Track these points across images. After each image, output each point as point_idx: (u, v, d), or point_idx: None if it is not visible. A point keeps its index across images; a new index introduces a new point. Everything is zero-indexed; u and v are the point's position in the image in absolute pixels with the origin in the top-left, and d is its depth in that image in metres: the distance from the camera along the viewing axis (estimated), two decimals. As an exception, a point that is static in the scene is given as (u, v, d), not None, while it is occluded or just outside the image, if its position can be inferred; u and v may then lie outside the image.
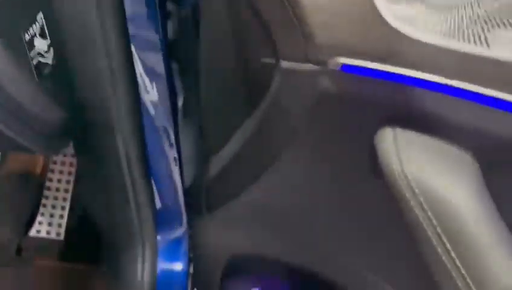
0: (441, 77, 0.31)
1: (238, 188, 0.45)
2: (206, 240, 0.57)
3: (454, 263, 0.31)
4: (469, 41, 0.28)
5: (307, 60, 0.33)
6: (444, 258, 0.31)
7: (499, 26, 0.29)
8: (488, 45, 0.27)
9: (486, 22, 0.28)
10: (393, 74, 0.31)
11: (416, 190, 0.31)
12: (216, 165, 0.47)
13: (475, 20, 0.29)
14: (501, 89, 0.28)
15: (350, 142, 0.35)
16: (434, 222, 0.31)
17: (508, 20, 0.28)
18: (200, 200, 0.51)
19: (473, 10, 0.29)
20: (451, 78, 0.30)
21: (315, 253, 0.50)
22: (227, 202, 0.48)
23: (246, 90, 0.41)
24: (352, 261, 0.47)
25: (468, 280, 0.32)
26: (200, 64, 0.48)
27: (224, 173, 0.46)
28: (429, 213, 0.31)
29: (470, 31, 0.28)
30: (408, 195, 0.31)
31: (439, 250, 0.31)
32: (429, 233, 0.31)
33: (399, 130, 0.33)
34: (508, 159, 0.31)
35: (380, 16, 0.30)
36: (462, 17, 0.29)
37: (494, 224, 0.31)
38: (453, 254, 0.31)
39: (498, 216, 0.31)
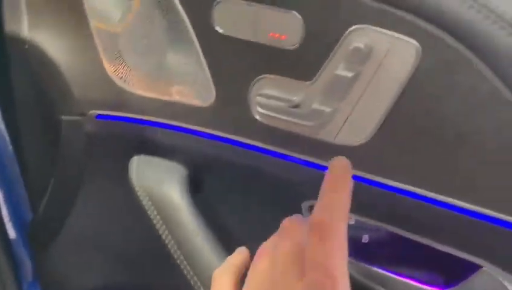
0: (160, 118, 0.46)
1: (59, 222, 0.56)
2: (55, 278, 0.66)
3: (176, 252, 0.45)
4: (159, 91, 0.43)
5: (75, 113, 0.48)
6: (169, 246, 0.45)
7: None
8: (170, 93, 0.43)
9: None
10: (129, 117, 0.46)
11: (144, 192, 0.45)
12: (41, 202, 0.58)
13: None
14: (186, 121, 0.43)
15: (113, 171, 0.49)
16: (157, 215, 0.45)
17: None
18: (37, 236, 0.62)
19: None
20: (166, 118, 0.45)
21: (149, 275, 0.61)
22: (57, 237, 0.59)
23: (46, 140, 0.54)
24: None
25: (188, 267, 0.45)
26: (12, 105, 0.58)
27: (47, 209, 0.57)
28: (155, 212, 0.45)
29: (156, 84, 0.43)
30: (141, 197, 0.45)
31: (164, 239, 0.45)
32: (158, 229, 0.45)
33: (142, 156, 0.48)
34: (210, 169, 0.46)
35: (111, 80, 0.45)
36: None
37: (201, 219, 0.45)
38: (170, 237, 0.45)
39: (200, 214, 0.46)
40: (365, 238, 0.45)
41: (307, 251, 0.30)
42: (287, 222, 0.34)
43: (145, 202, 0.46)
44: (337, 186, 0.31)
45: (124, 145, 0.48)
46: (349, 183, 0.31)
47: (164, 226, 0.46)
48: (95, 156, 0.50)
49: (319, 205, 0.30)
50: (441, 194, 0.32)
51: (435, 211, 0.33)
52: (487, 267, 0.34)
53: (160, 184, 0.46)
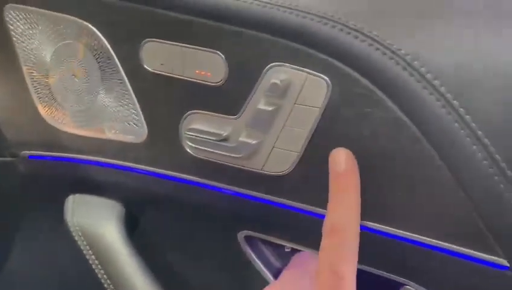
0: (95, 157, 0.46)
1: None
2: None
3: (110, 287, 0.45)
4: (91, 129, 0.44)
5: (7, 155, 0.47)
6: (103, 281, 0.44)
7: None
8: (103, 131, 0.43)
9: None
10: (62, 157, 0.46)
11: (80, 233, 0.45)
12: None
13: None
14: (121, 158, 0.44)
15: (49, 212, 0.48)
16: (93, 257, 0.45)
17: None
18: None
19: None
20: (101, 156, 0.45)
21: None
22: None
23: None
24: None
25: None
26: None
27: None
28: (91, 252, 0.45)
29: (88, 123, 0.44)
30: (77, 238, 0.45)
31: (100, 278, 0.44)
32: (95, 270, 0.45)
33: (78, 196, 0.47)
34: (148, 206, 0.47)
35: (43, 120, 0.45)
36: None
37: (139, 258, 0.45)
38: (108, 281, 0.44)
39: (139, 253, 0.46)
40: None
41: (320, 253, 0.32)
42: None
43: (80, 243, 0.46)
44: (344, 184, 0.32)
45: (58, 185, 0.48)
46: (356, 179, 0.32)
47: (100, 267, 0.45)
48: (30, 197, 0.49)
49: (329, 207, 0.32)
50: (365, 219, 0.34)
51: (362, 237, 0.35)
52: (410, 285, 0.37)
53: (97, 223, 0.46)
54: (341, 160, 0.32)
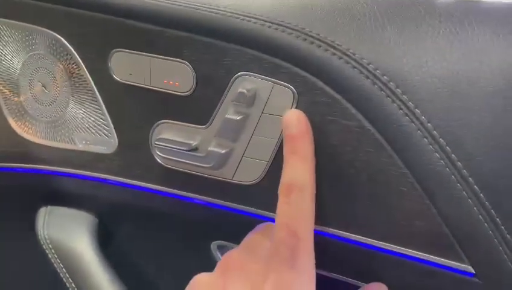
0: (66, 168, 0.45)
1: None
2: None
3: None
4: (62, 141, 0.43)
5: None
6: (70, 288, 0.44)
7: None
8: (73, 142, 0.43)
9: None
10: (33, 168, 0.46)
11: (50, 245, 0.44)
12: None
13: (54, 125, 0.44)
14: (92, 169, 0.43)
15: (20, 225, 0.48)
16: (64, 269, 0.44)
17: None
18: None
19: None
20: (72, 167, 0.45)
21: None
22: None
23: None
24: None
25: None
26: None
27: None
28: (61, 265, 0.44)
29: (59, 134, 0.44)
30: (47, 251, 0.44)
31: (69, 287, 0.44)
32: (63, 278, 0.44)
33: (49, 207, 0.47)
34: (120, 216, 0.46)
35: (13, 131, 0.44)
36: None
37: (111, 270, 0.45)
38: (75, 287, 0.44)
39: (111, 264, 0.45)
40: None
41: (277, 214, 0.32)
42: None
43: (51, 255, 0.45)
44: (297, 146, 0.32)
45: (30, 197, 0.47)
46: (309, 139, 0.32)
47: (71, 279, 0.44)
48: (0, 210, 0.48)
49: (284, 168, 0.32)
50: (329, 227, 0.34)
51: (328, 244, 0.35)
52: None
53: (68, 235, 0.45)
54: (293, 122, 0.32)
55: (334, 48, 0.31)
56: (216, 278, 0.32)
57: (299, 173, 0.32)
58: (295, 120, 0.32)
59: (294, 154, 0.32)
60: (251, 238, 0.35)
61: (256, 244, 0.34)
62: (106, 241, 0.47)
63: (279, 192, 0.32)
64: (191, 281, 0.33)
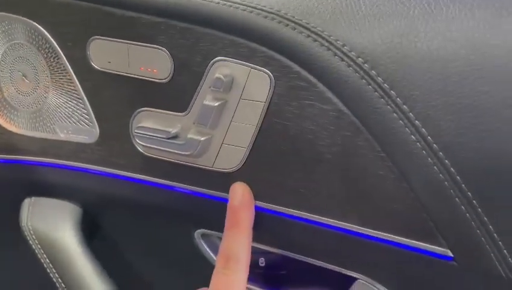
0: (48, 158, 0.45)
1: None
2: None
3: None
4: (44, 131, 0.43)
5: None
6: (57, 285, 0.44)
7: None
8: (55, 132, 0.43)
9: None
10: (16, 159, 0.45)
11: (34, 236, 0.44)
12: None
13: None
14: (74, 159, 0.43)
15: (3, 217, 0.47)
16: (47, 260, 0.44)
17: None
18: None
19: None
20: (55, 157, 0.44)
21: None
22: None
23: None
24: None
25: None
26: None
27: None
28: (43, 253, 0.44)
29: (40, 124, 0.43)
30: (31, 242, 0.44)
31: (52, 277, 0.43)
32: (47, 268, 0.44)
33: (33, 199, 0.47)
34: (104, 206, 0.46)
35: (-5, 122, 0.44)
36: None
37: (93, 257, 0.45)
38: (63, 285, 0.44)
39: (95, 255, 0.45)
40: (262, 261, 0.46)
41: (212, 277, 0.35)
42: None
43: (35, 246, 0.45)
44: (238, 218, 0.35)
45: (13, 189, 0.47)
46: (249, 213, 0.35)
47: (55, 271, 0.44)
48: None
49: (223, 239, 0.36)
50: (309, 212, 0.34)
51: (307, 230, 0.35)
52: (361, 278, 0.36)
53: (53, 226, 0.45)
54: (238, 195, 0.35)
55: (308, 30, 0.30)
56: None
57: (237, 246, 0.35)
58: (240, 193, 0.35)
59: (234, 226, 0.35)
60: None
61: None
62: (91, 231, 0.46)
63: (216, 261, 0.35)
64: None
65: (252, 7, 0.32)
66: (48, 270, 0.44)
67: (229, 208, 0.36)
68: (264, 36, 0.31)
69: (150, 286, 0.48)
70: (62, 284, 0.44)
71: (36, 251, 0.45)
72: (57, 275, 0.44)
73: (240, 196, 0.35)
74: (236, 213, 0.35)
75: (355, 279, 0.37)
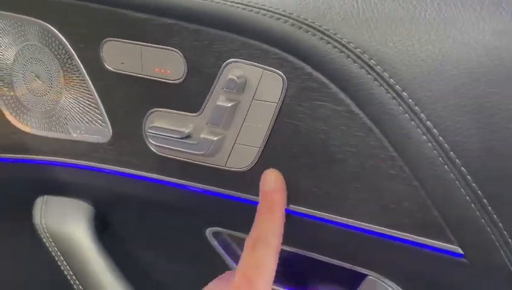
0: (61, 158, 0.46)
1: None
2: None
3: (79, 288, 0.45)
4: (57, 131, 0.44)
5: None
6: (72, 282, 0.44)
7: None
8: (68, 132, 0.43)
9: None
10: (29, 159, 0.46)
11: (48, 234, 0.45)
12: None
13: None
14: (87, 159, 0.44)
15: (17, 216, 0.48)
16: (62, 257, 0.44)
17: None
18: None
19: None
20: (67, 157, 0.45)
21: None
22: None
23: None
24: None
25: None
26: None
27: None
28: (57, 251, 0.45)
29: (53, 124, 0.44)
30: (45, 240, 0.45)
31: (67, 275, 0.44)
32: (61, 266, 0.44)
33: (46, 197, 0.47)
34: (116, 205, 0.47)
35: (8, 122, 0.45)
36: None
37: (106, 254, 0.45)
38: (77, 282, 0.44)
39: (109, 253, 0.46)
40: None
41: (239, 263, 0.33)
42: None
43: (49, 244, 0.46)
44: (270, 202, 0.34)
45: (26, 188, 0.47)
46: (282, 198, 0.34)
47: (69, 268, 0.45)
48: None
49: (255, 222, 0.34)
50: (322, 211, 0.35)
51: (319, 228, 0.35)
52: (371, 275, 0.37)
53: (66, 224, 0.46)
54: (270, 180, 0.35)
55: (321, 32, 0.31)
56: None
57: (269, 229, 0.34)
58: (272, 179, 0.35)
59: (268, 210, 0.35)
60: (213, 285, 0.36)
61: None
62: (103, 229, 0.47)
63: (245, 243, 0.34)
64: None
65: (266, 10, 0.32)
66: (62, 268, 0.45)
67: (262, 194, 0.35)
68: (278, 38, 0.32)
69: (162, 283, 0.49)
70: (76, 281, 0.45)
71: (50, 249, 0.46)
72: (71, 272, 0.45)
73: (272, 181, 0.35)
74: (269, 198, 0.35)
75: (365, 276, 0.38)
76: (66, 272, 0.45)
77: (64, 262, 0.45)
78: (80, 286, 0.45)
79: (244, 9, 0.33)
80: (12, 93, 0.44)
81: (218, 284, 0.36)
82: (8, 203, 0.49)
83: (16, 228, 0.49)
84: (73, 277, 0.45)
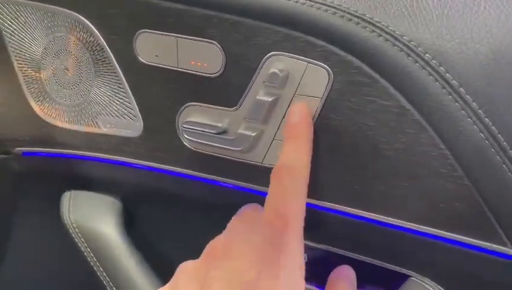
0: (90, 152, 0.45)
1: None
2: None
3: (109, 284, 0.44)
4: (86, 124, 0.43)
5: (0, 152, 0.46)
6: (101, 278, 0.44)
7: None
8: (98, 126, 0.43)
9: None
10: (57, 153, 0.45)
11: (77, 229, 0.44)
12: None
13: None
14: (116, 153, 0.43)
15: (45, 209, 0.47)
16: (91, 253, 0.44)
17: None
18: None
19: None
20: (96, 151, 0.44)
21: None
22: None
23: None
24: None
25: None
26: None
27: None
28: (88, 249, 0.44)
29: (83, 117, 0.43)
30: (73, 235, 0.44)
31: (99, 274, 0.44)
32: (90, 261, 0.44)
33: (74, 192, 0.47)
34: (145, 201, 0.46)
35: (36, 115, 0.44)
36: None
37: (137, 253, 0.45)
38: (107, 278, 0.44)
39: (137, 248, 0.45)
40: (305, 257, 0.46)
41: (267, 197, 0.31)
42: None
43: (78, 239, 0.45)
44: (297, 132, 0.33)
45: (54, 182, 0.47)
46: (308, 129, 0.32)
47: (98, 263, 0.44)
48: (24, 195, 0.48)
49: (282, 153, 0.33)
50: (365, 210, 0.34)
51: (362, 227, 0.34)
52: (414, 276, 0.36)
53: (94, 219, 0.45)
54: (296, 112, 0.33)
55: (372, 24, 0.30)
56: (200, 265, 0.31)
57: (297, 158, 0.32)
58: (298, 111, 0.33)
59: (294, 138, 0.32)
60: (237, 221, 0.34)
61: (241, 228, 0.32)
62: (130, 225, 0.46)
63: (272, 173, 0.32)
64: (178, 268, 0.33)
65: (313, 1, 0.31)
66: (92, 263, 0.44)
67: (287, 125, 0.33)
68: (324, 30, 0.31)
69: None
70: (106, 276, 0.44)
71: (79, 244, 0.45)
72: (100, 268, 0.44)
73: (298, 113, 0.33)
74: (297, 126, 0.33)
75: (407, 277, 0.37)
76: (95, 268, 0.45)
77: (93, 258, 0.44)
78: (110, 282, 0.44)
79: (290, 0, 0.32)
80: (41, 86, 0.44)
81: (243, 219, 0.33)
82: (37, 197, 0.48)
83: (44, 223, 0.49)
84: (103, 272, 0.44)
